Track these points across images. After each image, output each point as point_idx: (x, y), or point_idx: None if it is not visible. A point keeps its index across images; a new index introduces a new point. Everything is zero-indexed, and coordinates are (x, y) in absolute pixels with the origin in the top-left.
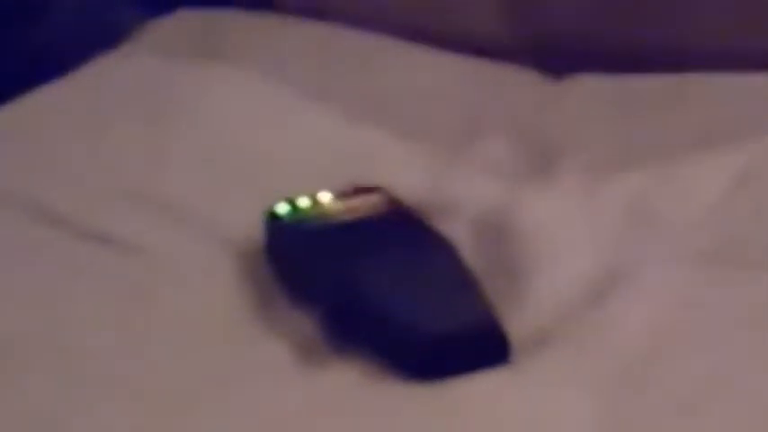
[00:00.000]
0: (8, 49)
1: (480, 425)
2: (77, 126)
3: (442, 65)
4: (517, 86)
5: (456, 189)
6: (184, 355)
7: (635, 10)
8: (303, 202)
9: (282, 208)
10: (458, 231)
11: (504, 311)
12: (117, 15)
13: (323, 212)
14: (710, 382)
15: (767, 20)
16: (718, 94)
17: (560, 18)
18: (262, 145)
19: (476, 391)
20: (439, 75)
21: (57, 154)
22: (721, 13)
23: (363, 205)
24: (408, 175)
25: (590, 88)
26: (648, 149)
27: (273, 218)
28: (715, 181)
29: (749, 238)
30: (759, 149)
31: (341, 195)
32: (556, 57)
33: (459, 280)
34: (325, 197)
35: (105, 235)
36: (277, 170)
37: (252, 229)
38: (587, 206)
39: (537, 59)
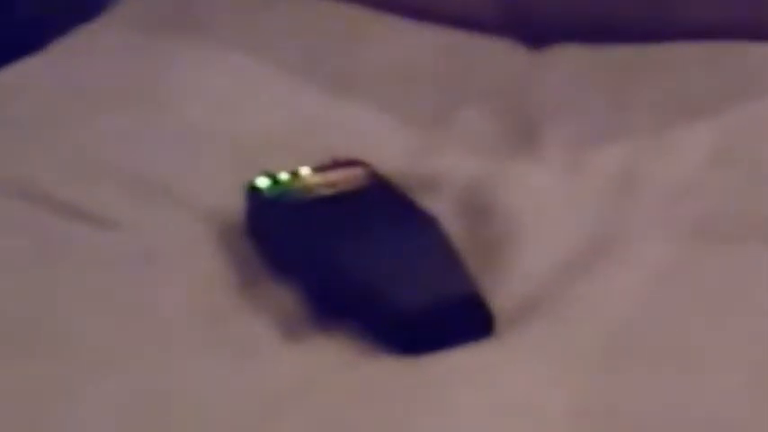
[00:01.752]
0: None
1: (465, 397)
2: (53, 101)
3: (421, 37)
4: (498, 58)
5: (438, 162)
6: (168, 332)
7: None
8: (282, 176)
9: (263, 182)
10: (440, 205)
11: (487, 285)
12: None
13: (303, 186)
14: (694, 353)
15: None
16: (699, 62)
17: None
18: (241, 120)
19: (460, 364)
20: (419, 47)
21: (33, 130)
22: None
23: (344, 179)
24: (389, 148)
25: (570, 58)
26: (630, 120)
27: (254, 192)
28: (698, 151)
29: (732, 209)
30: (742, 117)
31: (321, 169)
32: (536, 27)
33: (442, 254)
34: (304, 171)
35: (84, 211)
36: (257, 145)
37: (232, 204)
38: (570, 179)
39: (517, 30)
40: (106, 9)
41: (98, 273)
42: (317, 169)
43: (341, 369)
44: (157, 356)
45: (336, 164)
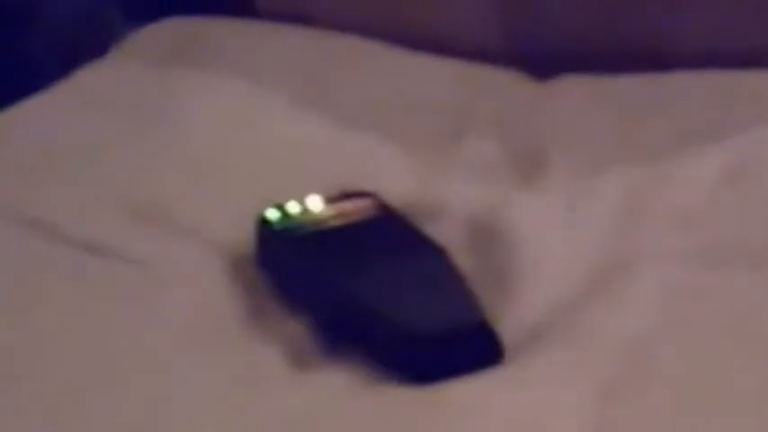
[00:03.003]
0: None
1: (475, 426)
2: (66, 135)
3: (427, 68)
4: (504, 88)
5: (445, 192)
6: (178, 362)
7: (620, 11)
8: (293, 207)
9: (272, 214)
10: (448, 234)
11: (495, 313)
12: (104, 24)
13: (313, 218)
14: (702, 380)
15: (749, 19)
16: (702, 92)
17: (548, 20)
18: (250, 151)
19: (469, 392)
20: (424, 78)
21: (45, 163)
22: (705, 13)
23: (353, 210)
24: (397, 179)
25: (575, 89)
26: (636, 149)
27: (264, 224)
28: (703, 179)
29: (739, 236)
30: (745, 146)
31: (330, 200)
32: (541, 58)
33: (451, 283)
34: (314, 202)
35: (96, 243)
36: (266, 176)
37: (242, 235)
38: (576, 207)
39: (522, 61)
40: (116, 45)
41: (106, 303)
42: (327, 201)
43: (350, 399)
44: (165, 385)
45: (345, 195)
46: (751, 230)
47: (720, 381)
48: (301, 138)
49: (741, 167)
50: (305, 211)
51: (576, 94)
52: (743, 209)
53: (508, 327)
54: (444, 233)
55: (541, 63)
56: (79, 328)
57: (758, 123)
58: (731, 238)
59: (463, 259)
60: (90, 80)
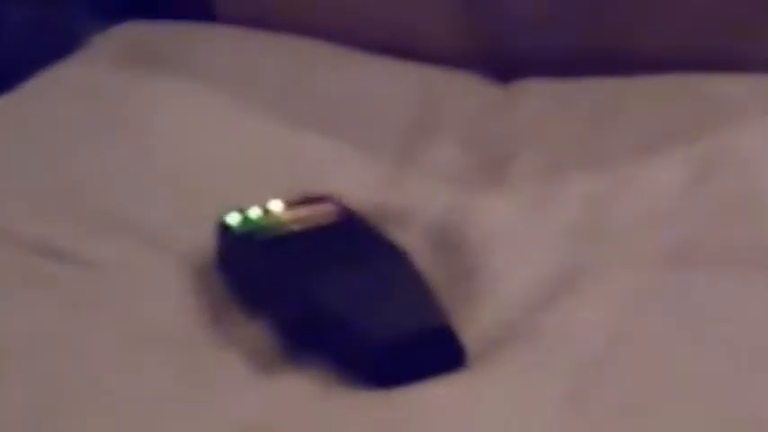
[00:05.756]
0: None
1: (438, 430)
2: (26, 139)
3: (390, 71)
4: (467, 91)
5: (407, 196)
6: (137, 367)
7: (584, 14)
8: (254, 212)
9: (233, 218)
10: (410, 238)
11: (458, 317)
12: (66, 27)
13: (274, 222)
14: (666, 382)
15: (715, 21)
16: (667, 95)
17: (512, 23)
18: (211, 156)
19: (432, 397)
20: (387, 81)
21: (6, 167)
22: (670, 16)
23: (314, 214)
24: (359, 183)
25: (539, 92)
26: (600, 152)
27: (225, 228)
28: (668, 182)
29: (704, 239)
30: (710, 149)
31: (291, 205)
32: (504, 61)
33: (413, 287)
34: (275, 207)
35: (54, 249)
36: (227, 181)
37: (202, 240)
38: (540, 210)
39: (486, 64)
40: (77, 48)
41: (68, 310)
42: (288, 205)
43: (313, 403)
44: (126, 392)
45: (306, 199)
46: (714, 233)
47: (685, 381)
48: (262, 142)
49: (705, 170)
50: (266, 215)
51: (539, 98)
52: (706, 211)
53: (471, 330)
54: (407, 237)
55: (505, 66)
56: (36, 335)
57: (722, 126)
58: (694, 240)
59: (426, 263)
60: (48, 84)
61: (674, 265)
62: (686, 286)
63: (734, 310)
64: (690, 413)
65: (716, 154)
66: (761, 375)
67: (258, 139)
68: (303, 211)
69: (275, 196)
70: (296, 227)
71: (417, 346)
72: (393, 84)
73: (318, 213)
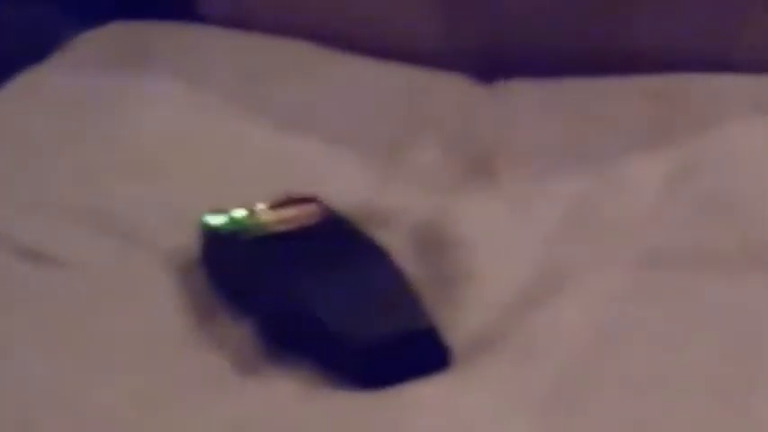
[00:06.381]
0: None
1: (422, 431)
2: (7, 140)
3: (371, 72)
4: (450, 93)
5: (392, 197)
6: (122, 370)
7: (568, 14)
8: (237, 212)
9: (217, 219)
10: (394, 239)
11: (442, 318)
12: (49, 28)
13: (257, 223)
14: (651, 381)
15: (701, 22)
16: (650, 96)
17: (495, 24)
18: (194, 156)
19: (418, 398)
20: (369, 82)
21: None
22: (656, 16)
23: (298, 215)
24: (342, 184)
25: (522, 93)
26: (582, 153)
27: (208, 229)
28: (652, 182)
29: (688, 238)
30: (694, 149)
31: (275, 205)
32: (487, 62)
33: (398, 288)
34: (259, 208)
35: (36, 249)
36: (210, 181)
37: (186, 241)
38: (524, 211)
39: (468, 65)
40: (58, 49)
41: (51, 310)
42: (272, 206)
43: (297, 404)
44: (111, 392)
45: (291, 200)
46: (697, 234)
47: (670, 380)
48: (245, 143)
49: (689, 170)
50: (249, 215)
51: (522, 99)
52: (688, 213)
53: (456, 331)
54: (391, 237)
55: (490, 66)
56: (17, 337)
57: (707, 126)
58: (677, 241)
59: (409, 264)
60: (31, 84)
61: (658, 265)
62: (670, 286)
63: (718, 309)
64: (674, 412)
65: (700, 154)
66: (745, 373)
67: (242, 140)
68: (287, 212)
69: (258, 197)
70: (279, 227)
71: (402, 348)
72: (378, 84)
73: (302, 214)
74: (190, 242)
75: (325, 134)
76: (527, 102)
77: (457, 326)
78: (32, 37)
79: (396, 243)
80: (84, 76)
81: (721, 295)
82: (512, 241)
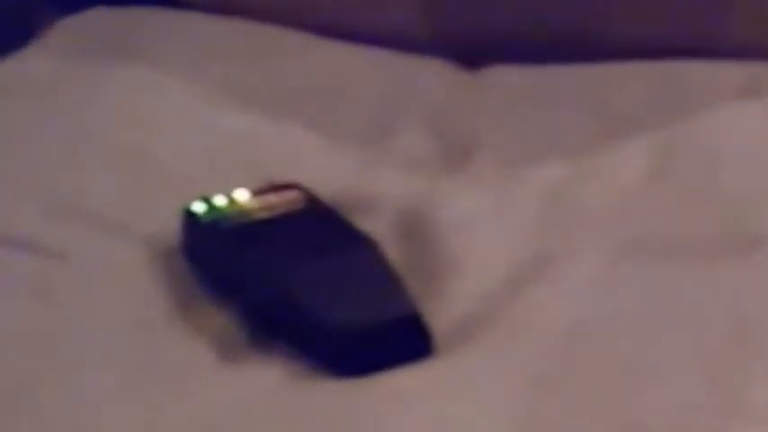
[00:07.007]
0: None
1: (406, 418)
2: None
3: (350, 57)
4: (431, 79)
5: (373, 184)
6: (102, 358)
7: (552, 3)
8: (219, 200)
9: (199, 206)
10: (376, 226)
11: (426, 305)
12: (28, 14)
13: (240, 210)
14: (631, 370)
15: (683, 8)
16: (632, 82)
17: (476, 9)
18: (175, 143)
19: (400, 385)
20: (348, 67)
21: None
22: (639, 2)
23: (280, 202)
24: (324, 170)
25: (505, 79)
26: (565, 140)
27: (190, 216)
28: (632, 169)
29: (668, 226)
30: (676, 137)
31: (257, 193)
32: (467, 47)
33: (380, 275)
34: (241, 195)
35: (16, 239)
36: (191, 168)
37: (167, 229)
38: (506, 198)
39: (448, 50)
40: (39, 36)
41: (31, 300)
42: (254, 193)
43: (279, 392)
44: (89, 381)
45: (273, 187)
46: (678, 221)
47: (651, 366)
48: (227, 129)
49: (670, 158)
50: (231, 203)
51: (505, 85)
52: (671, 200)
53: (439, 319)
54: (373, 224)
55: (468, 52)
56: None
57: (688, 115)
58: (658, 228)
59: (393, 251)
60: (10, 72)
61: (639, 252)
62: (651, 273)
63: (698, 296)
64: (656, 396)
65: (682, 142)
66: (725, 358)
67: (223, 127)
68: (269, 199)
69: (240, 184)
70: (262, 215)
71: (385, 335)
72: (359, 70)
73: (284, 201)
74: (171, 230)
75: (308, 120)
76: (510, 88)
77: (440, 312)
78: (11, 23)
79: (379, 229)
80: (64, 63)
81: (702, 282)
82: (494, 228)
